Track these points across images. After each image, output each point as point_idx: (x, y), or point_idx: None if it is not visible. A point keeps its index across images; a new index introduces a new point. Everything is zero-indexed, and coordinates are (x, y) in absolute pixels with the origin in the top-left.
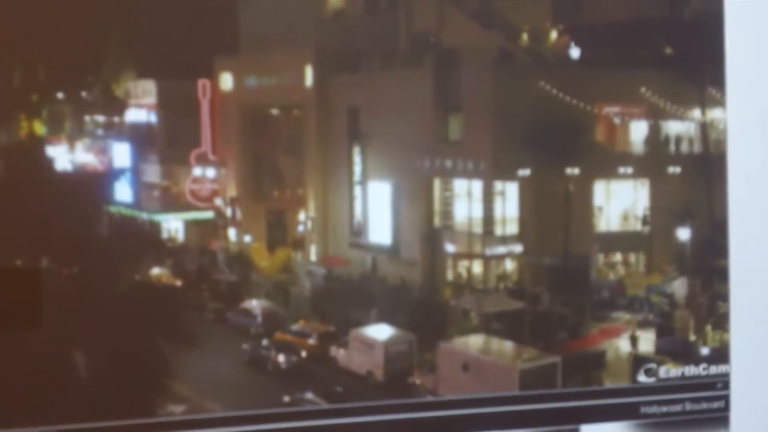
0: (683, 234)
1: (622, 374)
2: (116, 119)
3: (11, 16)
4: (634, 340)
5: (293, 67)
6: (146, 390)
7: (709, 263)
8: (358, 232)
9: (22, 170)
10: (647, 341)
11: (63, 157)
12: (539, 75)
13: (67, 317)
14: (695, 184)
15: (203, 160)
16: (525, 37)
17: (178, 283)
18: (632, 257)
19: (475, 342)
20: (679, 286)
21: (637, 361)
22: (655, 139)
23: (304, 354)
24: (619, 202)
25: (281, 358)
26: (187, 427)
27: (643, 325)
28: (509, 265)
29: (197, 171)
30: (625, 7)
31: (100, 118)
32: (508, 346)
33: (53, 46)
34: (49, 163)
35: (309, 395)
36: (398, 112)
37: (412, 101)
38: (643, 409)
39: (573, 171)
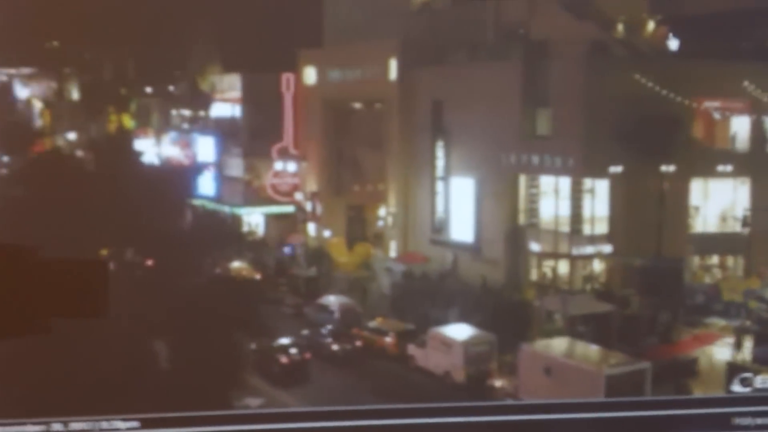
0: None
1: (715, 383)
2: (201, 113)
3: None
4: (739, 345)
5: (377, 61)
6: (223, 380)
7: None
8: (439, 228)
9: (111, 162)
10: (744, 349)
11: (150, 150)
12: (634, 68)
13: (150, 307)
14: None
15: (285, 154)
16: (620, 28)
17: (257, 276)
18: (730, 260)
19: (558, 345)
20: None
21: (732, 369)
22: (757, 135)
23: (358, 343)
24: (717, 202)
25: (336, 346)
26: (264, 420)
27: (740, 331)
28: (597, 266)
29: (279, 165)
30: None
31: (186, 112)
32: (594, 350)
33: (142, 42)
34: (137, 155)
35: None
36: (484, 106)
37: (498, 95)
38: (737, 421)
39: (668, 168)
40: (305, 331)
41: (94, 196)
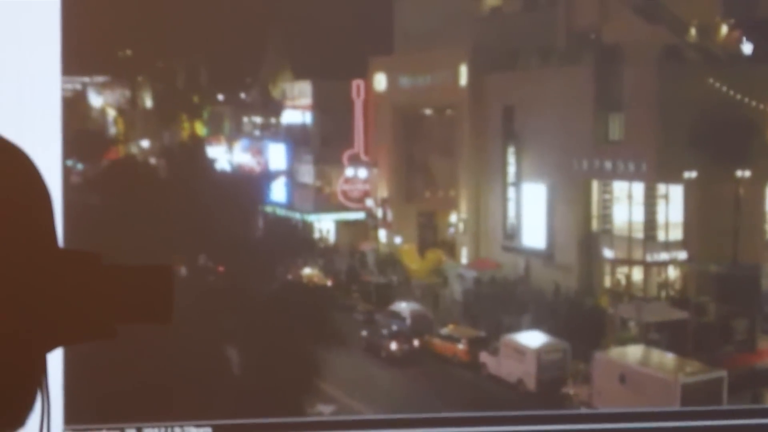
0: None
1: None
2: (272, 120)
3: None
4: None
5: (448, 66)
6: (297, 388)
7: None
8: (511, 234)
9: (184, 170)
10: None
11: (222, 157)
12: (708, 72)
13: (223, 314)
14: None
15: (355, 161)
16: (693, 32)
17: (329, 283)
18: None
19: (633, 353)
20: None
21: None
22: None
23: (416, 343)
24: None
25: (393, 346)
26: (336, 427)
27: None
28: (672, 273)
29: (349, 171)
30: None
31: (258, 119)
32: (670, 358)
33: (214, 49)
34: (209, 163)
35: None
36: (555, 111)
37: (570, 99)
38: None
39: (744, 173)
40: (364, 332)
41: (166, 202)
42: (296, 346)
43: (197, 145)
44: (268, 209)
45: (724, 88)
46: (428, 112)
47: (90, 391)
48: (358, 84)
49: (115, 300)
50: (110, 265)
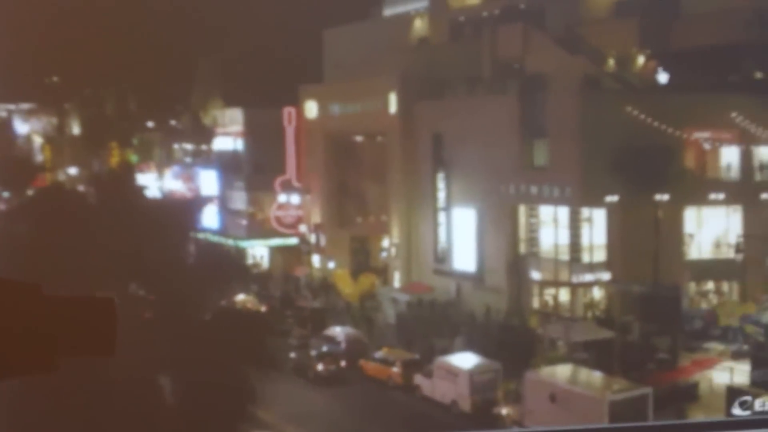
0: None
1: (715, 407)
2: (204, 147)
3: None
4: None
5: (378, 95)
6: (231, 415)
7: None
8: (442, 258)
9: (113, 197)
10: (742, 372)
11: (153, 184)
12: (626, 100)
13: (155, 342)
14: None
15: (288, 187)
16: (611, 62)
17: (263, 308)
18: (725, 286)
19: (562, 372)
20: None
21: (732, 393)
22: (747, 164)
23: (343, 364)
24: (711, 229)
25: (320, 366)
26: None
27: (738, 355)
28: (597, 293)
29: (282, 198)
30: (713, 32)
31: (189, 146)
32: (597, 376)
33: (144, 77)
34: (139, 190)
35: None
36: (483, 138)
37: (496, 127)
38: None
39: (662, 197)
40: (293, 354)
41: (96, 230)
42: (230, 373)
43: (127, 172)
44: (201, 236)
45: (642, 116)
46: (359, 139)
47: (21, 423)
48: (289, 111)
49: (57, 332)
50: (51, 297)
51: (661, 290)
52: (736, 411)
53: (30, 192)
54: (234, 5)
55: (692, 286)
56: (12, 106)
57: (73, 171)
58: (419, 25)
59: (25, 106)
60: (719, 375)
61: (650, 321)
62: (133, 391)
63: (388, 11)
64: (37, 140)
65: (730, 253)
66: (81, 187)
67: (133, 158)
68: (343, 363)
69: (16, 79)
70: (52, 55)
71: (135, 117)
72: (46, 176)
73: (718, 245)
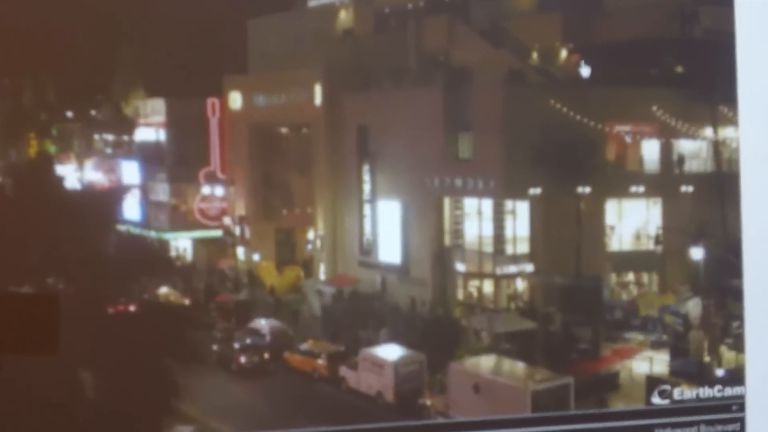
0: (697, 254)
1: (635, 396)
2: (125, 138)
3: (21, 37)
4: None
5: (302, 86)
6: (154, 409)
7: (723, 283)
8: (367, 250)
9: (31, 188)
10: (661, 362)
11: (72, 175)
12: (549, 94)
13: (75, 336)
14: (708, 203)
15: (212, 179)
16: (535, 56)
17: (186, 302)
18: (645, 277)
19: (486, 363)
20: (692, 307)
21: (651, 382)
22: (667, 157)
23: (266, 356)
24: (632, 222)
25: (243, 359)
26: None
27: (657, 345)
28: (520, 285)
29: (206, 189)
30: (635, 26)
31: (110, 137)
32: (520, 366)
33: (62, 66)
34: (58, 181)
35: None
36: (408, 131)
37: (421, 120)
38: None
39: (584, 190)
40: (215, 347)
41: (11, 222)
42: (153, 367)
43: (45, 163)
44: (122, 228)
45: (565, 109)
46: (284, 130)
47: None
48: (213, 102)
49: None
50: None
51: (583, 281)
52: (656, 400)
53: None
54: None
55: (613, 278)
56: None
57: None
58: (344, 16)
59: None
60: (639, 365)
61: (572, 312)
62: (53, 387)
63: (314, 2)
64: None
65: (650, 245)
66: None
67: (52, 149)
68: (267, 355)
69: None
70: None
71: (54, 107)
72: None
73: (638, 237)
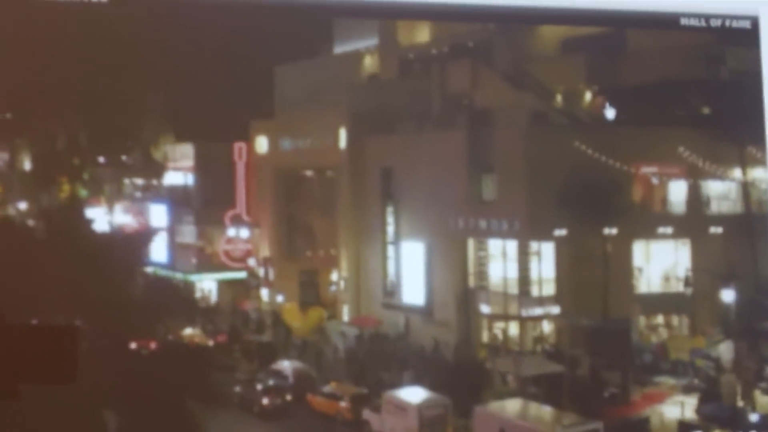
0: (727, 295)
1: None
2: (154, 182)
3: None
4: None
5: (327, 130)
6: None
7: (755, 325)
8: (391, 292)
9: (62, 231)
10: (692, 407)
11: (102, 218)
12: (574, 135)
13: (100, 375)
14: (738, 244)
15: (237, 221)
16: (559, 98)
17: (210, 342)
18: (675, 319)
19: (512, 406)
20: (724, 350)
21: (683, 427)
22: (695, 198)
23: (289, 398)
24: (660, 263)
25: (266, 401)
26: None
27: (688, 390)
28: (546, 327)
29: (231, 232)
30: (660, 68)
31: (139, 181)
32: (547, 410)
33: (95, 112)
34: (88, 224)
35: None
36: (431, 173)
37: (445, 162)
38: None
39: (611, 231)
40: (237, 388)
41: (43, 264)
42: (175, 407)
43: (76, 206)
44: (149, 269)
45: (590, 151)
46: (309, 173)
47: None
48: (240, 146)
49: (18, 360)
50: (13, 324)
51: (611, 324)
52: None
53: None
54: (186, 41)
55: (642, 320)
56: None
57: (23, 206)
58: (369, 62)
59: None
60: (670, 409)
61: (600, 355)
62: (77, 424)
63: (339, 49)
64: None
65: (679, 287)
66: (31, 222)
67: (83, 193)
68: (289, 397)
69: None
70: (4, 91)
71: (86, 152)
72: None
73: (667, 279)
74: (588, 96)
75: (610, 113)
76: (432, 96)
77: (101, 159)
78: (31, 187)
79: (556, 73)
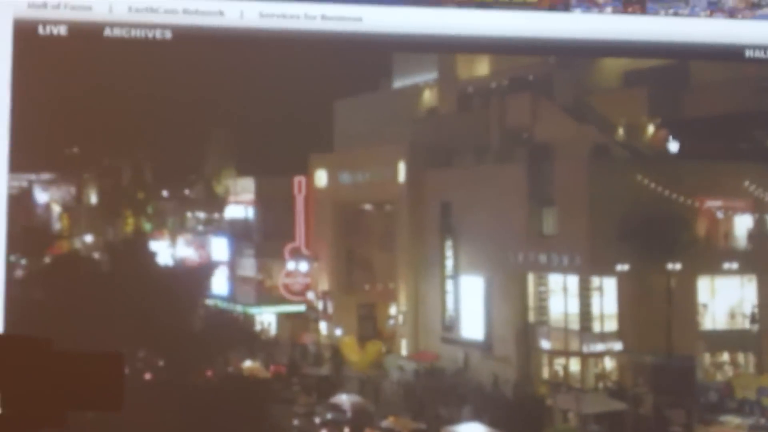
0: None
1: None
2: (216, 215)
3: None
4: None
5: (387, 163)
6: None
7: None
8: (449, 326)
9: (126, 264)
10: None
11: (165, 251)
12: (636, 168)
13: (163, 405)
14: None
15: (297, 255)
16: (621, 131)
17: (269, 375)
18: (740, 357)
19: None
20: None
21: None
22: (760, 233)
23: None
24: (725, 299)
25: None
26: None
27: (755, 429)
28: (609, 364)
29: (291, 265)
30: (724, 100)
31: (201, 214)
32: None
33: (159, 148)
34: (151, 257)
35: None
36: (491, 207)
37: (504, 195)
38: None
39: (674, 266)
40: (296, 421)
41: (108, 297)
42: None
43: (140, 240)
44: (210, 302)
45: (653, 185)
46: (368, 207)
47: None
48: (299, 180)
49: (66, 387)
50: (60, 352)
51: (675, 361)
52: None
53: (46, 259)
54: (247, 77)
55: (707, 357)
56: (33, 176)
57: (89, 239)
58: (428, 96)
59: (45, 176)
60: None
61: (664, 393)
62: None
63: (398, 83)
64: (56, 209)
65: (745, 324)
66: (96, 255)
67: (147, 226)
68: (347, 431)
69: (37, 150)
70: (72, 126)
71: (150, 187)
72: (63, 244)
73: (732, 315)
74: (650, 129)
75: (673, 146)
76: (491, 129)
77: (165, 193)
78: (97, 220)
79: (617, 105)
